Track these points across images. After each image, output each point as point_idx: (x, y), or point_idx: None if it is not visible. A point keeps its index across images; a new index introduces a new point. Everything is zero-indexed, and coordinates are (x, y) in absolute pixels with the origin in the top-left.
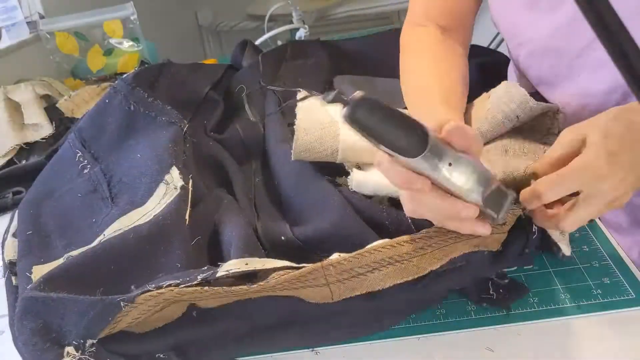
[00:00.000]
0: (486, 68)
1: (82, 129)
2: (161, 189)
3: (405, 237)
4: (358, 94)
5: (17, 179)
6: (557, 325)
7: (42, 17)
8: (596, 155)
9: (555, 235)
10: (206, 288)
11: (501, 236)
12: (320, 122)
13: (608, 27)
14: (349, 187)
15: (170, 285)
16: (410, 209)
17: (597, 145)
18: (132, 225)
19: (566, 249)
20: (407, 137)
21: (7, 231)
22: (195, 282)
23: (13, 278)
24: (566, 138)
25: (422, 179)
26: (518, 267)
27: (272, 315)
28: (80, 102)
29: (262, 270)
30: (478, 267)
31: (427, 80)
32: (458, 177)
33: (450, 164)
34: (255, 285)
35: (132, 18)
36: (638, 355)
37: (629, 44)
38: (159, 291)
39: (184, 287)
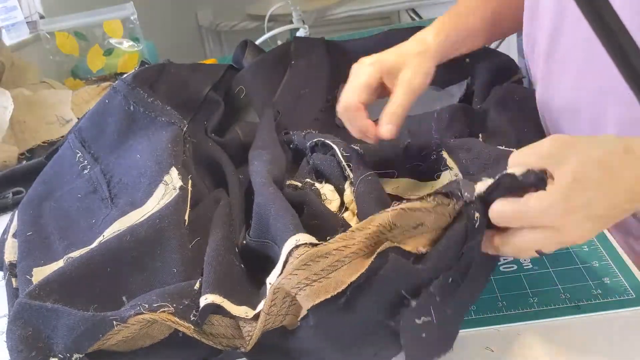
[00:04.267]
0: (495, 72)
1: (82, 129)
2: (160, 189)
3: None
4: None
5: (17, 179)
6: (557, 325)
7: (42, 17)
8: (554, 202)
9: None
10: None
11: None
12: None
13: (608, 27)
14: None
15: (163, 310)
16: None
17: (560, 192)
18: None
19: None
20: None
21: (6, 231)
22: (186, 313)
23: (13, 280)
24: (545, 148)
25: None
26: (518, 267)
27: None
28: (80, 102)
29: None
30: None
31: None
32: None
33: None
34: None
35: (132, 18)
36: (638, 355)
37: (629, 44)
38: (151, 315)
39: (178, 318)
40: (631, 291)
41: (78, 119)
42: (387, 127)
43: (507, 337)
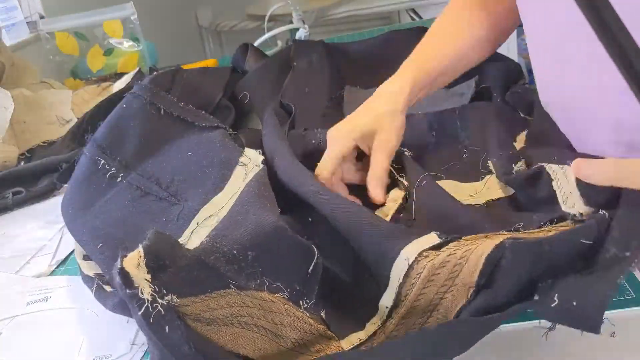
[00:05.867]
0: (504, 74)
1: (99, 139)
2: (239, 170)
3: None
4: None
5: (17, 179)
6: (558, 325)
7: (42, 17)
8: None
9: None
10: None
11: None
12: None
13: (608, 27)
14: None
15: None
16: None
17: None
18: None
19: None
20: None
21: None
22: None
23: (106, 287)
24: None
25: None
26: None
27: None
28: (80, 102)
29: None
30: None
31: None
32: None
33: None
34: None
35: (132, 18)
36: (638, 355)
37: (629, 44)
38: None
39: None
40: (631, 291)
41: (78, 119)
42: (376, 192)
43: (507, 337)
